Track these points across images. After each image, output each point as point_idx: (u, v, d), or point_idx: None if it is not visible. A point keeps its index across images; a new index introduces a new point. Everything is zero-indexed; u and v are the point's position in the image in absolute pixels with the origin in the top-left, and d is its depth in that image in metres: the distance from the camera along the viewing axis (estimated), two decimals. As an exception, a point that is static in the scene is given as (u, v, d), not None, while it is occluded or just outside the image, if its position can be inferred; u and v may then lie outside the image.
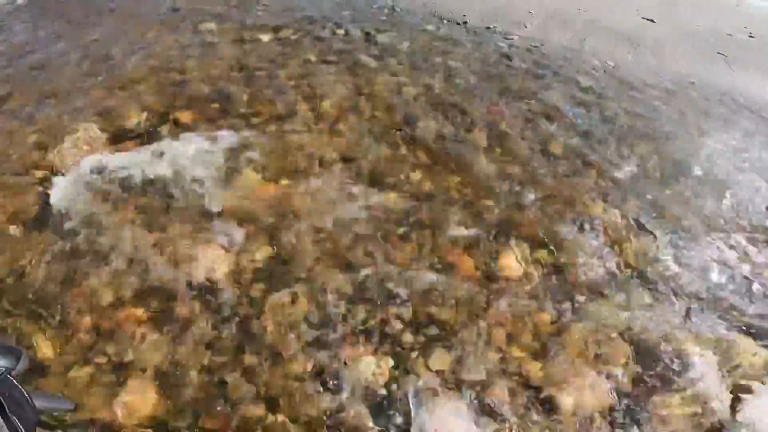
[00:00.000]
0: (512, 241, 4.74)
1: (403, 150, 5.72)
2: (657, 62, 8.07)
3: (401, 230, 4.91)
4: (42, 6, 9.35)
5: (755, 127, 6.68)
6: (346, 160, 5.62)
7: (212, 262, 4.38)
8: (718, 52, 8.70)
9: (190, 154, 5.45)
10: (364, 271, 4.43)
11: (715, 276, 4.59)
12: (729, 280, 4.52)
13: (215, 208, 4.93)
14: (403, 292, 4.20)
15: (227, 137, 5.76)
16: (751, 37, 9.48)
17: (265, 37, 8.09)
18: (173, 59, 7.21)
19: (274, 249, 4.51)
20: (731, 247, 4.91)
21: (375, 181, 5.38)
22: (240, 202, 5.03)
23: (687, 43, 8.89)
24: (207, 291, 4.20)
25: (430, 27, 8.53)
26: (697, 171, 5.73)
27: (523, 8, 9.45)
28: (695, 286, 4.51)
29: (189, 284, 4.26)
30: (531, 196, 5.27)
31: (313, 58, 7.37)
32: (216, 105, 6.31)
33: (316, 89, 6.68)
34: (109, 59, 7.34)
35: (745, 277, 4.56)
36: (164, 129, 5.91)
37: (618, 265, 4.55)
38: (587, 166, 5.69)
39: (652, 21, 9.59)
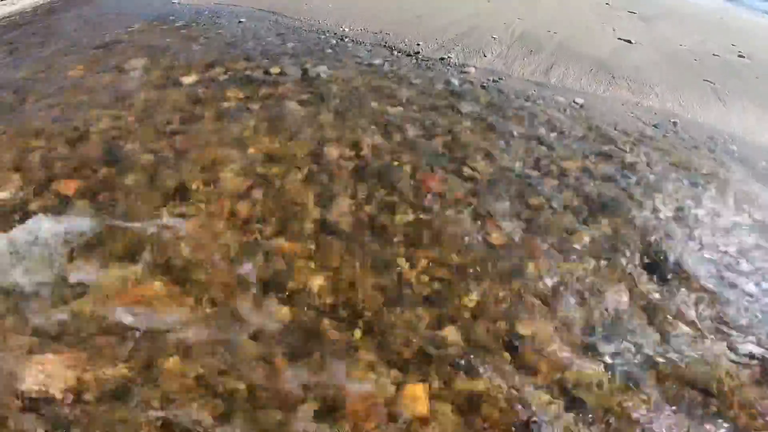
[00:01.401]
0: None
1: (310, 244, 3.88)
2: (634, 96, 6.12)
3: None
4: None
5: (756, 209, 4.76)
6: (234, 261, 3.86)
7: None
8: (705, 80, 6.66)
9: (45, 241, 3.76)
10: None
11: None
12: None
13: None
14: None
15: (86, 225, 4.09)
16: (741, 56, 7.41)
17: (190, 79, 6.28)
18: (80, 107, 5.66)
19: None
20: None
21: (269, 288, 3.66)
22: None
23: (669, 69, 6.95)
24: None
25: (377, 61, 6.68)
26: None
27: (486, 34, 7.49)
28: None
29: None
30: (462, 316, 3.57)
31: (233, 105, 5.55)
32: (105, 171, 4.64)
33: (221, 155, 4.98)
34: (16, 107, 5.71)
35: None
36: (37, 203, 4.20)
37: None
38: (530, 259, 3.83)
39: (629, 42, 7.57)
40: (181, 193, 4.49)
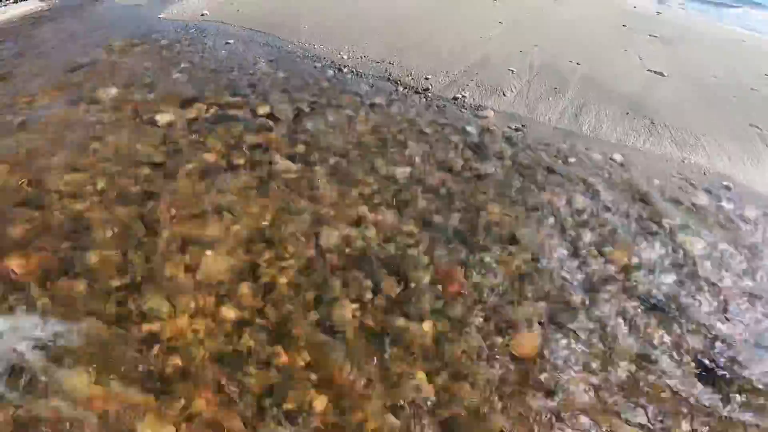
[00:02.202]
0: None
1: (303, 358, 2.70)
2: (679, 149, 5.06)
3: None
4: None
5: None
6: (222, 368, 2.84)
7: None
8: (752, 124, 5.39)
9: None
10: None
11: None
12: None
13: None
14: None
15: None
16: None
17: (166, 118, 5.06)
18: (37, 154, 4.42)
19: None
20: None
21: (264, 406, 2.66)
22: None
23: (709, 110, 5.85)
24: None
25: (380, 100, 5.35)
26: None
27: (502, 65, 6.14)
28: None
29: None
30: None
31: (214, 160, 4.56)
32: (64, 247, 3.52)
33: (201, 231, 3.82)
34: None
35: None
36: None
37: None
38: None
39: (660, 74, 6.25)
40: (153, 283, 3.33)
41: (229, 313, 3.14)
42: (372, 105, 5.42)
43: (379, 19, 7.78)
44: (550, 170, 4.51)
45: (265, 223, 3.84)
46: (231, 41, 7.19)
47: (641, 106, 5.58)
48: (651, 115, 5.41)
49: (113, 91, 5.82)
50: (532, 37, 7.38)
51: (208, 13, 8.78)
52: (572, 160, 4.67)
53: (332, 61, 6.41)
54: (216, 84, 5.86)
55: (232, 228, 3.78)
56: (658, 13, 10.22)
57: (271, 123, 5.08)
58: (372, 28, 7.37)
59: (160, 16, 8.71)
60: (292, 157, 4.58)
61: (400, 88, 5.75)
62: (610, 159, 4.78)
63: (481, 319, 3.17)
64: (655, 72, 6.55)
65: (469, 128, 5.05)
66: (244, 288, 3.30)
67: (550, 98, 5.57)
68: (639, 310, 3.31)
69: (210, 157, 4.60)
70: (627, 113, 5.43)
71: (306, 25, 7.62)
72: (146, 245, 3.54)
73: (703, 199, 4.38)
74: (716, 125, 5.43)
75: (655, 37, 8.14)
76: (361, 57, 6.45)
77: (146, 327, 3.00)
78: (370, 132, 4.92)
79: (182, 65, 6.46)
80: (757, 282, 3.61)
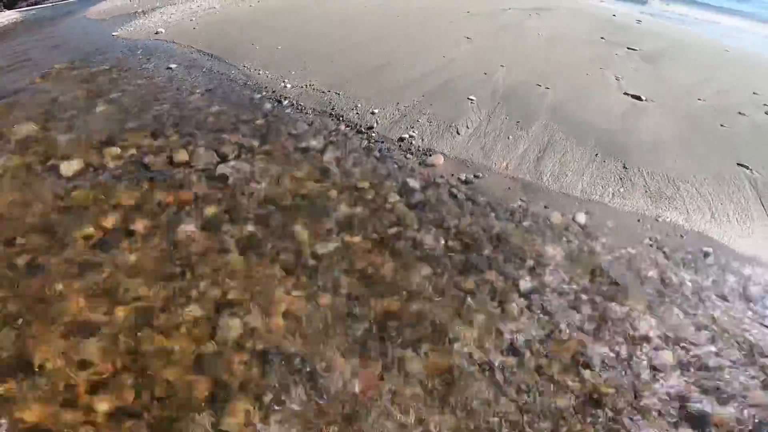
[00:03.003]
0: None
1: None
2: (653, 204, 4.03)
3: None
4: None
5: None
6: None
7: None
8: (740, 163, 4.34)
9: None
10: None
11: None
12: None
13: None
14: None
15: None
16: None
17: (72, 166, 4.34)
18: None
19: None
20: None
21: None
22: None
23: (691, 144, 4.80)
24: None
25: (316, 143, 4.32)
26: None
27: (462, 92, 5.06)
28: None
29: None
30: None
31: (113, 223, 3.62)
32: None
33: (82, 317, 2.91)
34: None
35: None
36: None
37: None
38: None
39: (638, 98, 5.16)
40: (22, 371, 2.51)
41: (102, 405, 2.40)
42: (305, 150, 4.37)
43: (337, 40, 6.67)
44: (499, 240, 3.46)
45: (159, 305, 2.94)
46: (173, 66, 6.12)
47: (614, 144, 4.49)
48: (624, 157, 4.32)
49: (27, 128, 4.80)
50: (500, 55, 6.25)
51: (163, 31, 7.77)
52: (527, 224, 3.62)
53: (274, 91, 5.34)
54: (139, 121, 4.83)
55: (118, 311, 2.89)
56: (639, 21, 9.01)
57: (187, 174, 4.01)
58: (327, 51, 6.28)
59: (114, 34, 7.76)
60: (201, 222, 3.52)
61: (342, 126, 4.68)
62: (572, 220, 3.72)
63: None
64: (632, 96, 5.44)
65: (411, 182, 3.99)
66: (126, 379, 2.48)
67: (510, 137, 4.48)
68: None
69: (108, 222, 3.58)
70: (596, 155, 4.34)
71: (258, 46, 6.54)
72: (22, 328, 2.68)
73: (675, 274, 3.32)
74: (699, 166, 4.35)
75: (635, 50, 6.99)
76: (306, 86, 5.35)
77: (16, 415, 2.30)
78: (296, 189, 3.88)
79: (112, 95, 5.48)
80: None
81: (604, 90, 5.56)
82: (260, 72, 5.81)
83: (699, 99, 5.67)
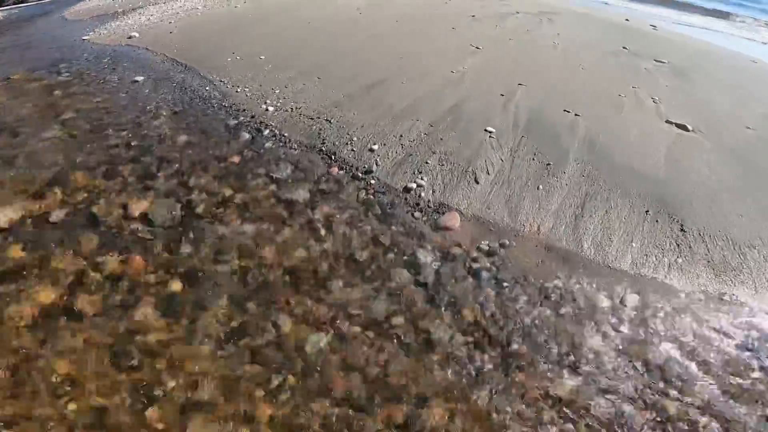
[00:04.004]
0: None
1: None
2: (715, 278, 2.74)
3: None
4: None
5: None
6: None
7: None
8: None
9: None
10: None
11: None
12: None
13: None
14: None
15: None
16: None
17: (6, 216, 2.56)
18: None
19: None
20: None
21: None
22: None
23: (751, 192, 3.42)
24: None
25: (299, 193, 2.97)
26: None
27: (478, 120, 3.76)
28: None
29: None
30: None
31: (52, 300, 2.38)
32: None
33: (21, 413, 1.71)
34: None
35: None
36: None
37: None
38: None
39: (684, 128, 3.87)
40: None
41: None
42: (289, 204, 3.06)
43: (328, 49, 5.26)
44: (530, 332, 2.23)
45: (114, 406, 1.93)
46: (141, 78, 4.74)
47: (666, 195, 3.23)
48: (680, 213, 3.06)
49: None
50: (516, 70, 4.88)
51: (137, 35, 6.31)
52: (565, 310, 2.37)
53: (253, 116, 3.97)
54: (92, 155, 3.59)
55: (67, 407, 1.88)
56: (654, 27, 7.59)
57: (144, 233, 2.71)
58: (316, 63, 4.88)
59: (85, 38, 6.33)
60: (161, 303, 2.26)
61: (334, 169, 3.36)
62: (620, 304, 2.47)
63: None
64: (677, 125, 4.12)
65: (421, 255, 2.73)
66: None
67: (540, 186, 3.19)
68: None
69: (47, 297, 2.47)
70: (647, 212, 3.07)
71: (239, 55, 5.12)
72: None
73: (747, 373, 2.09)
74: (764, 219, 3.06)
75: (663, 63, 5.61)
76: (291, 109, 3.99)
77: None
78: (278, 260, 2.62)
79: (66, 115, 4.32)
80: None
81: (643, 117, 4.22)
82: (238, 89, 4.42)
83: (748, 127, 4.36)
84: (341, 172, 3.44)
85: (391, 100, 4.18)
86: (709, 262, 2.92)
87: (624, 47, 6.04)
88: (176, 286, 2.53)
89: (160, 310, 2.38)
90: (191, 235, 2.83)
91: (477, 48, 5.50)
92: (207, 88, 4.60)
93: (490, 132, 3.76)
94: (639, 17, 8.56)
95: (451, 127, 3.83)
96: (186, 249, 2.73)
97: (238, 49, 5.43)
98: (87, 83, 4.99)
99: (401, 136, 3.71)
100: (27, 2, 9.51)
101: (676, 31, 7.93)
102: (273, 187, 3.36)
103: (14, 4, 9.39)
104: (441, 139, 3.68)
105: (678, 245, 2.99)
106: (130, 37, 6.45)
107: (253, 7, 7.18)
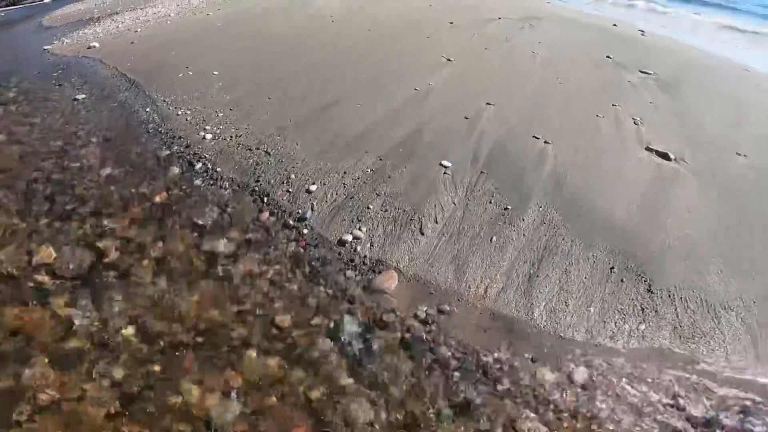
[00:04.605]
0: None
1: None
2: (681, 344, 2.28)
3: None
4: None
5: None
6: None
7: None
8: None
9: None
10: None
11: None
12: None
13: None
14: None
15: None
16: None
17: None
18: None
19: None
20: None
21: None
22: None
23: (739, 239, 2.95)
24: None
25: (225, 243, 2.32)
26: None
27: (435, 152, 3.19)
28: None
29: None
30: None
31: None
32: None
33: None
34: None
35: None
36: None
37: None
38: None
39: (666, 157, 3.28)
40: None
41: None
42: (211, 257, 2.51)
43: (285, 65, 4.63)
44: (463, 413, 1.70)
45: None
46: (81, 97, 4.21)
47: (636, 247, 2.66)
48: (650, 271, 2.49)
49: None
50: (487, 85, 4.24)
51: (97, 45, 5.76)
52: (503, 387, 1.83)
53: (188, 146, 3.39)
54: (9, 189, 3.05)
55: None
56: (642, 33, 6.81)
57: (47, 285, 2.20)
58: (270, 79, 4.30)
59: (47, 47, 5.79)
60: (57, 361, 1.88)
61: (265, 215, 2.77)
62: (568, 379, 1.90)
63: None
64: (658, 153, 3.48)
65: (348, 323, 2.23)
66: None
67: (495, 238, 2.58)
68: None
69: None
70: (612, 269, 2.49)
71: (192, 70, 4.51)
72: None
73: None
74: (747, 278, 2.46)
75: (649, 74, 4.92)
76: (230, 138, 3.38)
77: None
78: (190, 320, 2.13)
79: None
80: None
81: (621, 142, 3.57)
82: (180, 111, 3.81)
83: (738, 153, 3.70)
84: (272, 218, 2.85)
85: (341, 127, 3.55)
86: (676, 328, 2.34)
87: (608, 56, 5.32)
88: (74, 342, 2.07)
89: (54, 368, 1.91)
90: (97, 288, 2.29)
91: (449, 60, 4.81)
92: (147, 110, 3.99)
93: (446, 168, 3.13)
94: (629, 21, 7.74)
95: (402, 161, 3.19)
96: (87, 313, 2.20)
97: (194, 62, 4.80)
98: (29, 101, 4.48)
99: (345, 173, 3.09)
100: (18, 5, 9.05)
101: (666, 36, 7.12)
102: (195, 234, 2.78)
103: (5, 6, 8.93)
104: (389, 176, 3.05)
105: (642, 309, 2.41)
106: (89, 48, 5.88)
107: (224, 15, 6.49)
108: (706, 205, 3.08)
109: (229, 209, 2.95)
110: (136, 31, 6.13)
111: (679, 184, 3.26)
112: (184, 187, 3.14)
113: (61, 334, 2.16)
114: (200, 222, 2.88)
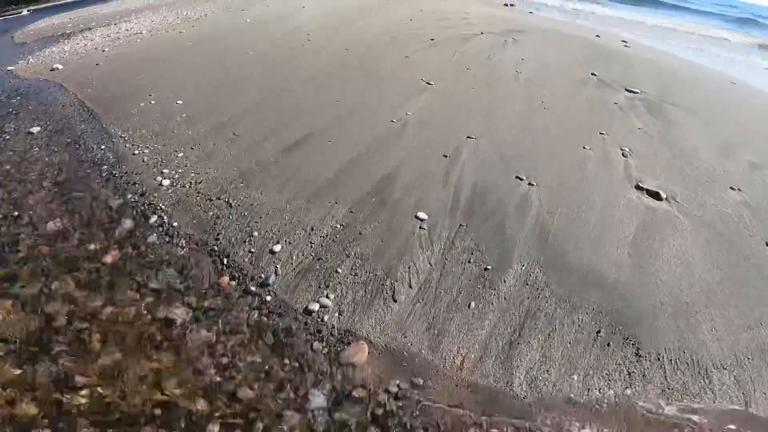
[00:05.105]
0: None
1: None
2: (665, 406, 1.95)
3: None
4: None
5: None
6: None
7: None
8: None
9: None
10: None
11: None
12: None
13: None
14: None
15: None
16: None
17: None
18: None
19: None
20: None
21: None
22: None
23: (733, 291, 2.61)
24: None
25: (181, 311, 1.96)
26: None
27: (411, 201, 2.80)
28: None
29: None
30: None
31: None
32: None
33: None
34: None
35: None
36: None
37: None
38: None
39: (657, 197, 2.93)
40: None
41: None
42: (166, 324, 2.19)
43: (252, 94, 4.21)
44: None
45: None
46: (36, 130, 3.79)
47: (624, 308, 2.39)
48: (638, 333, 2.22)
49: None
50: (467, 114, 3.88)
51: (60, 67, 5.27)
52: None
53: (143, 194, 2.96)
54: None
55: None
56: (626, 44, 6.44)
57: None
58: (236, 113, 3.92)
59: (10, 68, 5.33)
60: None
61: (224, 279, 2.40)
62: None
63: None
64: (649, 193, 3.14)
65: (314, 398, 1.87)
66: None
67: (473, 303, 2.25)
68: None
69: None
70: (598, 333, 2.17)
71: (155, 99, 4.04)
72: None
73: None
74: (740, 333, 2.18)
75: (636, 93, 4.55)
76: (189, 185, 2.96)
77: None
78: (144, 394, 1.88)
79: None
80: None
81: (610, 183, 3.22)
82: (137, 151, 3.38)
83: (732, 188, 3.36)
84: (233, 283, 2.45)
85: (309, 170, 3.14)
86: (664, 390, 2.02)
87: (593, 73, 4.94)
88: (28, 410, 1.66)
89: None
90: (47, 356, 1.91)
91: (428, 84, 4.39)
92: (103, 147, 3.55)
93: (422, 221, 2.74)
94: (610, 31, 7.35)
95: (375, 213, 2.80)
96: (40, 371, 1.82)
97: (159, 88, 4.33)
98: (-22, 137, 3.95)
99: (312, 228, 2.69)
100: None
101: (649, 47, 6.75)
102: (149, 299, 2.38)
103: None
104: (360, 233, 2.66)
105: (630, 374, 2.11)
106: (52, 69, 5.38)
107: (197, 32, 5.97)
108: (699, 254, 2.75)
109: (185, 271, 2.54)
110: (103, 51, 5.61)
111: (671, 230, 2.92)
112: (135, 244, 2.72)
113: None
114: (153, 286, 2.46)
